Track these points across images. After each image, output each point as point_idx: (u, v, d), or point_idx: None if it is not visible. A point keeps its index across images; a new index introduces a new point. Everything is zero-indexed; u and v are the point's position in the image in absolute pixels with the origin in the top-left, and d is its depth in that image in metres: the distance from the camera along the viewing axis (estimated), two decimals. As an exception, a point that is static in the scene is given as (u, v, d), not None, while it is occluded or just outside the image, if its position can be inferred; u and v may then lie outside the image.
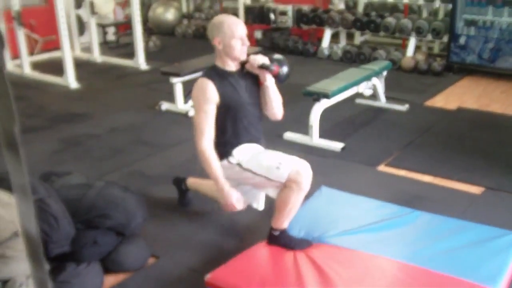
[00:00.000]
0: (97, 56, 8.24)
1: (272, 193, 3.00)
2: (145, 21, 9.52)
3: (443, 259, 2.92)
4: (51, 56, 8.11)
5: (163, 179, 4.16)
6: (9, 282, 2.56)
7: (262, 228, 3.23)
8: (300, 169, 2.84)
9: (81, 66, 7.67)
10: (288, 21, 8.48)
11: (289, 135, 4.90)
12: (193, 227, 3.46)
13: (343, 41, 8.38)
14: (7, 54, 7.52)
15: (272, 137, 4.49)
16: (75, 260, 2.80)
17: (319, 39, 8.28)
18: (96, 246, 2.85)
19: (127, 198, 3.05)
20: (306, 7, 8.57)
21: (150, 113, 5.74)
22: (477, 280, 2.69)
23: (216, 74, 2.95)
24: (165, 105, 5.79)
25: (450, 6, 7.01)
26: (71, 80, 6.80)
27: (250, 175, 2.95)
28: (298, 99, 5.14)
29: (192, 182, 3.62)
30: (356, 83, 5.16)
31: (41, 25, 8.29)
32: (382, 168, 4.33)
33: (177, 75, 5.55)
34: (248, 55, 3.01)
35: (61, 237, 2.72)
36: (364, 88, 5.39)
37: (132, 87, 6.84)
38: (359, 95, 5.54)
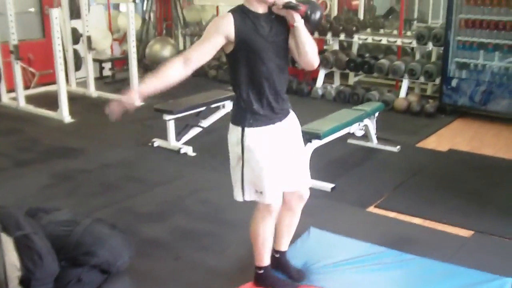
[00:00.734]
0: (92, 91, 8.29)
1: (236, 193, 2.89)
2: (141, 57, 9.62)
3: (430, 304, 2.90)
4: (47, 89, 8.14)
5: (153, 216, 4.15)
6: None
7: (250, 269, 3.21)
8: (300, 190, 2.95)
9: (77, 100, 7.71)
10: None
11: (280, 174, 4.89)
12: (180, 267, 3.44)
13: (337, 81, 8.47)
14: (3, 87, 7.56)
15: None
16: (59, 298, 2.78)
17: (314, 79, 8.36)
18: (80, 284, 2.83)
19: (114, 236, 3.03)
20: (301, 47, 8.68)
21: (143, 149, 5.75)
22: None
23: (241, 11, 2.72)
24: (158, 142, 5.81)
25: (442, 49, 7.11)
26: (65, 114, 6.82)
27: (235, 163, 2.82)
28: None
29: None
30: (348, 124, 5.19)
31: (39, 59, 8.36)
32: (372, 209, 4.32)
33: (170, 112, 5.58)
34: None
35: (45, 275, 2.69)
36: (356, 129, 5.42)
37: (126, 123, 6.84)
38: (351, 135, 5.56)
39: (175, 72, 2.64)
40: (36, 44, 8.50)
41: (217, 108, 6.04)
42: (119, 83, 8.99)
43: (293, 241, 3.36)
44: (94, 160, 5.40)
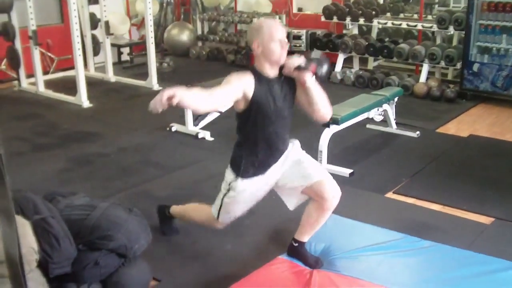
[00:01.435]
0: (111, 75, 8.31)
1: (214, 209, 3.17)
2: (160, 42, 9.61)
3: (449, 291, 2.87)
4: (66, 75, 8.18)
5: (170, 201, 4.13)
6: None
7: (267, 253, 3.20)
8: (327, 187, 2.97)
9: (95, 85, 7.73)
10: (302, 45, 8.51)
11: (298, 160, 4.86)
12: (196, 251, 3.44)
13: (356, 66, 8.38)
14: (22, 72, 7.61)
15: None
16: (76, 281, 2.78)
17: (333, 64, 8.28)
18: (97, 268, 2.83)
19: (131, 220, 3.03)
20: (320, 32, 8.60)
21: (161, 134, 5.75)
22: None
23: (255, 73, 2.83)
24: (175, 127, 5.80)
25: (463, 33, 6.99)
26: (83, 99, 6.85)
27: (220, 194, 3.06)
28: (307, 123, 5.09)
29: (177, 209, 3.54)
30: (367, 109, 5.14)
31: (57, 44, 8.39)
32: (390, 195, 4.28)
33: (188, 96, 5.56)
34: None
35: (62, 258, 2.70)
36: (375, 114, 5.36)
37: (144, 108, 6.78)
38: (370, 120, 5.51)
39: (204, 98, 2.69)
40: (54, 29, 8.53)
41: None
42: (137, 68, 9.01)
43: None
44: (111, 145, 5.42)
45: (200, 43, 10.22)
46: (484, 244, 3.49)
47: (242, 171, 2.93)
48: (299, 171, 3.01)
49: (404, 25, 7.98)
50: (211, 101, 2.70)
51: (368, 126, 5.77)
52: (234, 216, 3.13)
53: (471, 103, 6.88)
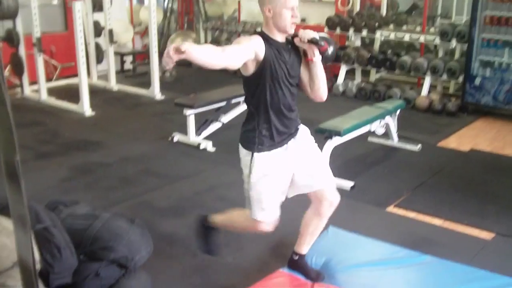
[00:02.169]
0: (113, 84, 8.33)
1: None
2: (162, 51, 9.60)
3: (449, 307, 2.86)
4: (69, 82, 8.21)
5: (171, 212, 4.15)
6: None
7: (268, 266, 3.19)
8: (327, 193, 2.99)
9: (97, 93, 7.76)
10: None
11: (299, 171, 4.86)
12: (196, 263, 3.43)
13: (358, 78, 8.40)
14: (25, 79, 7.63)
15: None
16: (76, 292, 2.79)
17: (335, 75, 8.31)
18: (98, 279, 2.83)
19: (132, 231, 3.03)
20: (322, 43, 8.63)
21: (162, 144, 5.76)
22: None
23: (263, 36, 2.77)
24: (177, 137, 5.81)
25: (466, 46, 7.01)
26: (86, 107, 6.87)
27: (245, 184, 2.95)
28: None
29: (219, 218, 3.29)
30: (369, 121, 5.14)
31: (61, 51, 8.42)
32: (391, 209, 4.28)
33: (191, 107, 5.58)
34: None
35: (63, 268, 2.70)
36: (377, 127, 5.37)
37: (146, 117, 6.89)
38: (371, 133, 5.51)
39: (216, 52, 2.54)
40: (58, 36, 8.56)
41: (238, 103, 6.01)
42: (140, 76, 9.03)
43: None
44: (113, 154, 5.42)
45: (203, 53, 10.24)
46: (485, 259, 3.49)
47: (257, 145, 2.84)
48: (309, 167, 2.97)
49: (406, 37, 8.00)
50: (223, 57, 2.55)
51: (369, 139, 5.77)
52: (268, 206, 2.90)
53: (473, 117, 6.89)
